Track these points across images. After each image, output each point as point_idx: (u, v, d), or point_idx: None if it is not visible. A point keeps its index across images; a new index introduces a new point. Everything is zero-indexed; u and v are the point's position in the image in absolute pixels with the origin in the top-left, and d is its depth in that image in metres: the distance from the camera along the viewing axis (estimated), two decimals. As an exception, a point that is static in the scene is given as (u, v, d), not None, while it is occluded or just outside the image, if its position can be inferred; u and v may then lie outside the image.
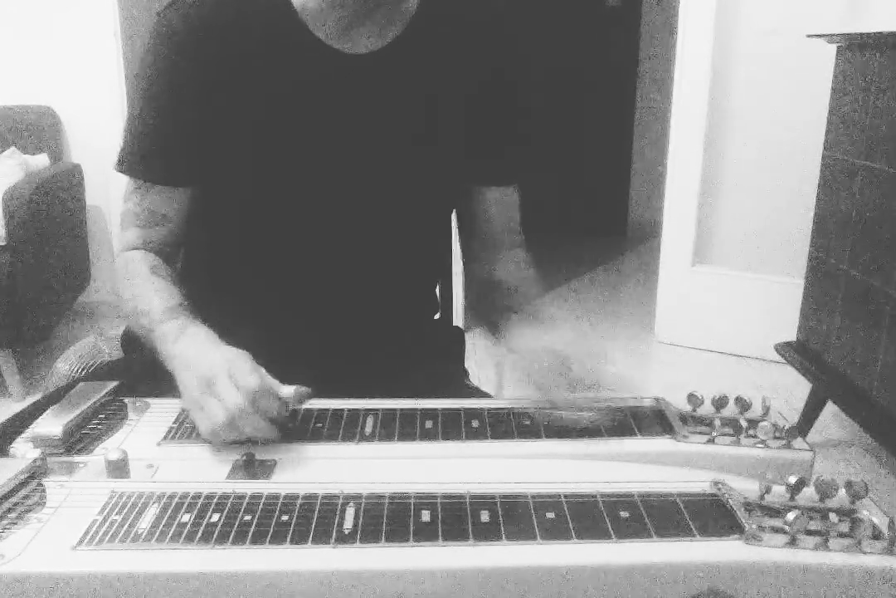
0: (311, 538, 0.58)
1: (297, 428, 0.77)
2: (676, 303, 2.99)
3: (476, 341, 1.23)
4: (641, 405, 0.82)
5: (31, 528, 0.59)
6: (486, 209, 1.05)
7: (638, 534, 0.59)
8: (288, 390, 0.74)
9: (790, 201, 2.62)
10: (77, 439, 0.74)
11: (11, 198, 2.30)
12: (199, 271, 1.01)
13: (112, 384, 0.83)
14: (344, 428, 0.77)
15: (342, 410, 0.80)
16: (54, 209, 2.60)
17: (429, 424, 0.77)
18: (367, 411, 0.80)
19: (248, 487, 0.64)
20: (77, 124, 2.97)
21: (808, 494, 0.62)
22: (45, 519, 0.60)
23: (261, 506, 0.62)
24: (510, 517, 0.61)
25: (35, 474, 0.66)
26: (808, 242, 2.11)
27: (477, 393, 1.05)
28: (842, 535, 0.59)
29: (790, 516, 0.58)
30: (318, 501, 0.62)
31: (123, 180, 0.96)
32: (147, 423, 0.78)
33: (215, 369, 0.74)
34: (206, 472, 0.69)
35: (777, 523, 0.60)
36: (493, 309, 1.01)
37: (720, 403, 0.79)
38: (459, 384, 1.09)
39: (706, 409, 0.79)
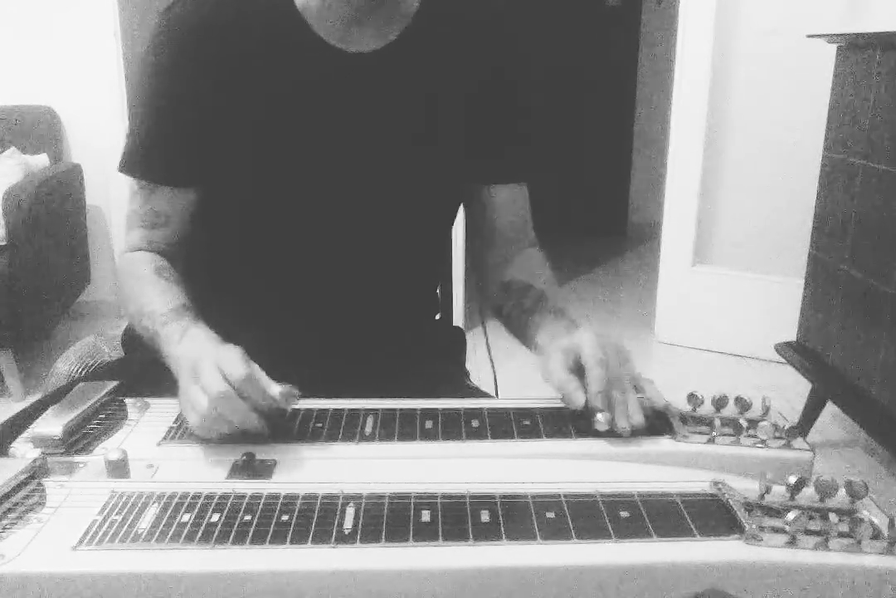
0: (311, 538, 0.58)
1: (297, 428, 0.77)
2: (676, 303, 2.99)
3: (476, 341, 1.23)
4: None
5: (31, 528, 0.59)
6: (495, 209, 1.05)
7: (638, 534, 0.59)
8: (275, 388, 0.73)
9: (790, 201, 2.62)
10: (77, 439, 0.74)
11: (11, 198, 2.30)
12: (199, 271, 1.01)
13: (112, 384, 0.83)
14: (344, 428, 0.76)
15: (342, 410, 0.80)
16: (54, 209, 2.60)
17: (429, 424, 0.77)
18: (367, 411, 0.79)
19: (248, 487, 0.64)
20: (77, 124, 2.98)
21: (808, 494, 0.62)
22: (45, 519, 0.60)
23: (261, 506, 0.62)
24: (510, 517, 0.61)
25: (35, 474, 0.66)
26: (808, 242, 2.11)
27: (477, 393, 1.05)
28: (842, 535, 0.59)
29: (790, 516, 0.58)
30: (318, 501, 0.62)
31: (123, 180, 0.97)
32: (147, 423, 0.78)
33: (203, 359, 0.74)
34: (206, 472, 0.69)
35: (777, 523, 0.60)
36: (519, 312, 0.99)
37: (720, 403, 0.79)
38: (460, 384, 1.09)
39: (706, 409, 0.79)
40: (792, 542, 0.58)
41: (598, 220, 4.62)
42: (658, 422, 0.78)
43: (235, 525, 0.59)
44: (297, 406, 0.80)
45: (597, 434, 0.76)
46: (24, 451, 0.70)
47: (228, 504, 0.62)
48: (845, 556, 0.58)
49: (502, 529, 0.59)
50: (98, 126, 2.98)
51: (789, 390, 2.38)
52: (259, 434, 0.73)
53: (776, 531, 0.59)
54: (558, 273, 1.04)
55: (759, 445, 0.74)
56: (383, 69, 0.93)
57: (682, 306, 2.97)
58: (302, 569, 0.56)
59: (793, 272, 2.49)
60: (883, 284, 1.76)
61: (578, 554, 0.57)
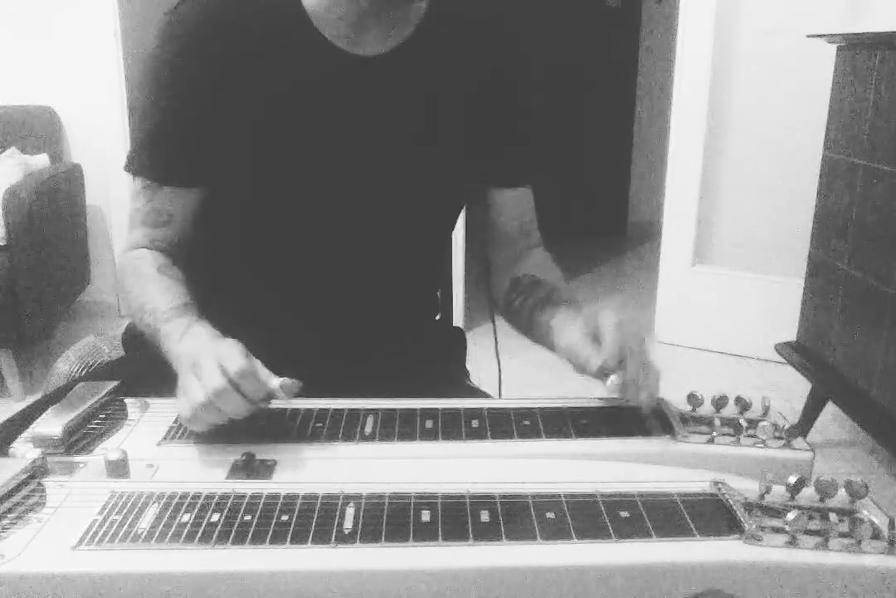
0: (311, 538, 0.58)
1: (297, 428, 0.77)
2: (676, 303, 2.99)
3: (477, 342, 1.23)
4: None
5: (31, 528, 0.59)
6: (500, 211, 1.05)
7: (638, 534, 0.59)
8: (275, 381, 0.74)
9: (790, 201, 2.62)
10: (77, 439, 0.74)
11: (11, 198, 2.30)
12: (201, 271, 1.01)
13: (112, 384, 0.83)
14: (344, 428, 0.76)
15: (342, 410, 0.80)
16: (54, 209, 2.60)
17: (429, 424, 0.77)
18: (367, 411, 0.80)
19: (248, 487, 0.64)
20: (77, 124, 2.98)
21: (808, 494, 0.62)
22: (45, 519, 0.60)
23: (261, 506, 0.62)
24: (510, 517, 0.61)
25: (35, 474, 0.66)
26: (808, 242, 2.11)
27: (477, 393, 1.05)
28: (842, 535, 0.59)
29: (790, 516, 0.58)
30: (318, 501, 0.62)
31: (123, 180, 0.97)
32: (147, 423, 0.78)
33: (203, 355, 0.74)
34: (206, 472, 0.69)
35: (777, 523, 0.60)
36: (531, 304, 0.99)
37: (720, 403, 0.79)
38: (460, 385, 1.09)
39: (706, 409, 0.79)
40: (792, 542, 0.58)
41: (598, 220, 4.62)
42: (658, 422, 0.78)
43: (235, 525, 0.59)
44: (297, 406, 0.80)
45: (598, 431, 0.76)
46: (24, 451, 0.70)
47: (228, 504, 0.62)
48: (845, 556, 0.58)
49: (502, 529, 0.59)
50: (98, 126, 2.98)
51: (789, 390, 2.38)
52: (261, 430, 0.73)
53: (776, 531, 0.59)
54: (560, 268, 1.04)
55: (759, 445, 0.74)
56: (389, 72, 0.92)
57: (682, 306, 2.97)
58: (302, 569, 0.56)
59: (793, 272, 2.49)
60: (883, 285, 1.76)
61: (578, 554, 0.58)
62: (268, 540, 0.58)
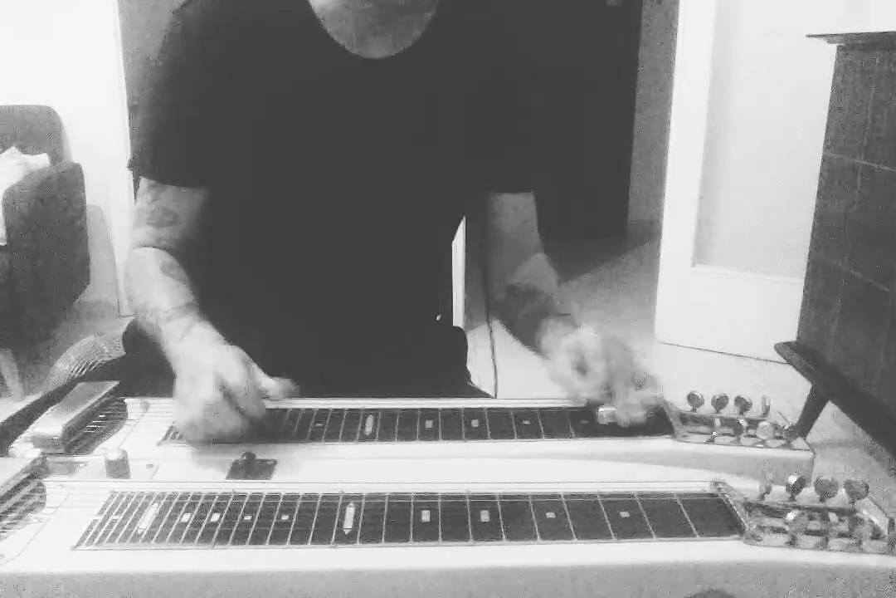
0: (311, 538, 0.58)
1: (297, 428, 0.77)
2: (676, 303, 2.99)
3: (477, 342, 1.23)
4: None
5: (31, 528, 0.59)
6: (502, 216, 1.05)
7: (638, 534, 0.59)
8: (269, 382, 0.73)
9: (790, 201, 2.62)
10: (77, 439, 0.74)
11: (11, 198, 2.30)
12: (202, 270, 1.01)
13: (112, 384, 0.83)
14: (344, 428, 0.76)
15: (342, 410, 0.80)
16: (54, 209, 2.60)
17: (429, 424, 0.77)
18: (367, 411, 0.79)
19: (248, 487, 0.64)
20: (77, 124, 2.98)
21: (808, 494, 0.62)
22: (45, 519, 0.60)
23: (261, 506, 0.62)
24: (510, 517, 0.61)
25: (35, 474, 0.66)
26: (808, 242, 2.11)
27: (478, 394, 1.05)
28: (842, 535, 0.59)
29: (790, 516, 0.58)
30: (318, 501, 0.62)
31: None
32: (147, 423, 0.78)
33: (204, 366, 0.74)
34: (206, 472, 0.69)
35: (777, 523, 0.60)
36: (524, 315, 1.00)
37: (720, 403, 0.79)
38: (461, 386, 1.09)
39: (706, 409, 0.79)
40: (792, 542, 0.58)
41: (598, 220, 4.62)
42: (658, 422, 0.78)
43: (235, 525, 0.59)
44: (297, 406, 0.80)
45: (598, 431, 0.76)
46: (24, 451, 0.70)
47: (228, 504, 0.62)
48: (845, 556, 0.58)
49: (502, 529, 0.59)
50: (98, 126, 2.98)
51: (789, 390, 2.38)
52: (261, 430, 0.73)
53: (776, 530, 0.59)
54: (558, 273, 1.04)
55: (759, 445, 0.74)
56: (397, 75, 0.92)
57: (682, 306, 2.97)
58: (302, 569, 0.56)
59: (793, 272, 2.49)
60: (882, 285, 1.76)
61: (578, 554, 0.57)
62: (268, 540, 0.58)
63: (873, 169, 1.80)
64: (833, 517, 0.61)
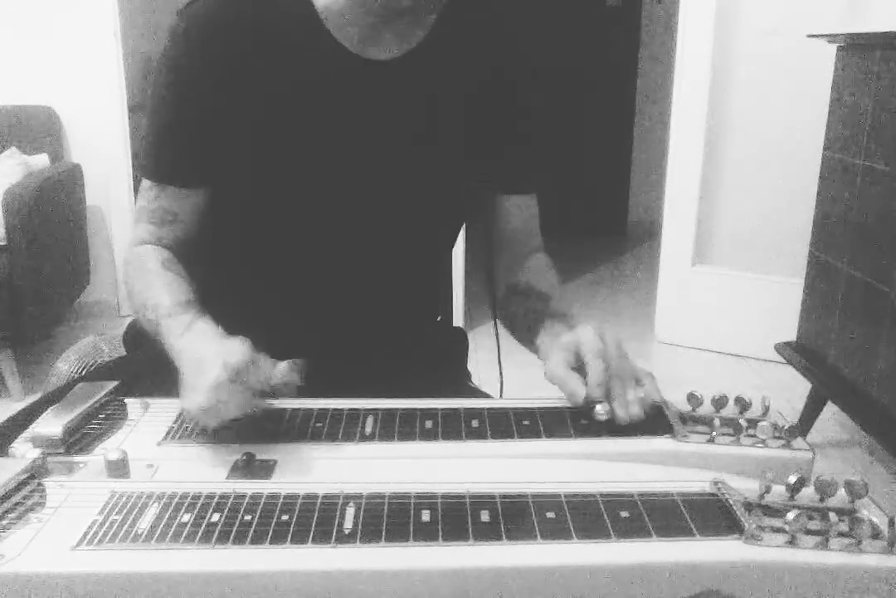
0: (311, 538, 0.58)
1: (297, 428, 0.77)
2: (676, 303, 2.99)
3: (478, 343, 1.23)
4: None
5: (31, 528, 0.59)
6: (504, 217, 1.05)
7: (638, 534, 0.59)
8: (279, 366, 0.74)
9: (790, 201, 2.62)
10: (77, 439, 0.74)
11: (11, 198, 2.30)
12: (202, 270, 1.01)
13: (112, 384, 0.83)
14: (344, 428, 0.76)
15: (342, 410, 0.80)
16: (54, 209, 2.60)
17: (429, 424, 0.77)
18: (367, 411, 0.79)
19: (248, 487, 0.64)
20: (77, 124, 2.98)
21: (808, 494, 0.62)
22: (45, 519, 0.60)
23: (261, 506, 0.62)
24: (510, 516, 0.61)
25: (35, 474, 0.66)
26: (808, 242, 2.12)
27: (479, 395, 1.05)
28: (842, 535, 0.59)
29: (790, 515, 0.58)
30: (319, 501, 0.62)
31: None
32: (147, 423, 0.78)
33: (208, 357, 0.74)
34: (206, 472, 0.69)
35: (777, 522, 0.60)
36: (523, 315, 1.00)
37: (720, 403, 0.79)
38: (461, 386, 1.09)
39: (706, 409, 0.79)
40: (792, 542, 0.58)
41: (598, 220, 4.62)
42: (658, 422, 0.78)
43: (235, 525, 0.59)
44: (297, 406, 0.80)
45: (598, 431, 0.76)
46: (24, 451, 0.70)
47: (228, 504, 0.62)
48: (845, 556, 0.58)
49: (502, 529, 0.59)
50: (98, 126, 2.98)
51: (789, 390, 2.38)
52: (261, 430, 0.73)
53: (776, 530, 0.59)
54: (558, 273, 1.04)
55: (759, 445, 0.74)
56: (401, 76, 0.92)
57: (682, 306, 2.98)
58: (302, 569, 0.56)
59: (793, 272, 2.49)
60: (883, 285, 1.76)
61: (578, 554, 0.57)
62: (268, 540, 0.58)
63: (873, 169, 1.80)
64: (833, 516, 0.61)
